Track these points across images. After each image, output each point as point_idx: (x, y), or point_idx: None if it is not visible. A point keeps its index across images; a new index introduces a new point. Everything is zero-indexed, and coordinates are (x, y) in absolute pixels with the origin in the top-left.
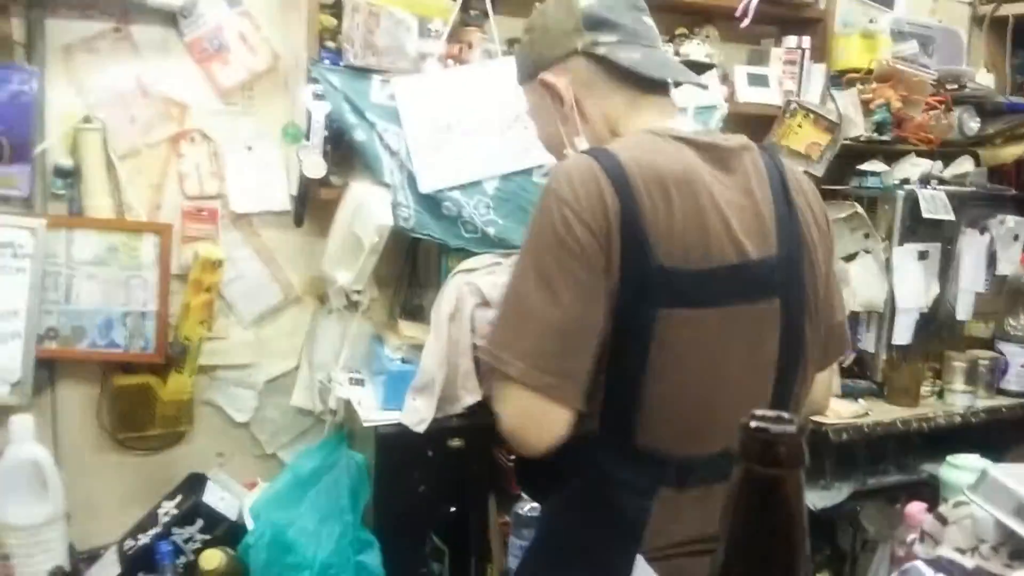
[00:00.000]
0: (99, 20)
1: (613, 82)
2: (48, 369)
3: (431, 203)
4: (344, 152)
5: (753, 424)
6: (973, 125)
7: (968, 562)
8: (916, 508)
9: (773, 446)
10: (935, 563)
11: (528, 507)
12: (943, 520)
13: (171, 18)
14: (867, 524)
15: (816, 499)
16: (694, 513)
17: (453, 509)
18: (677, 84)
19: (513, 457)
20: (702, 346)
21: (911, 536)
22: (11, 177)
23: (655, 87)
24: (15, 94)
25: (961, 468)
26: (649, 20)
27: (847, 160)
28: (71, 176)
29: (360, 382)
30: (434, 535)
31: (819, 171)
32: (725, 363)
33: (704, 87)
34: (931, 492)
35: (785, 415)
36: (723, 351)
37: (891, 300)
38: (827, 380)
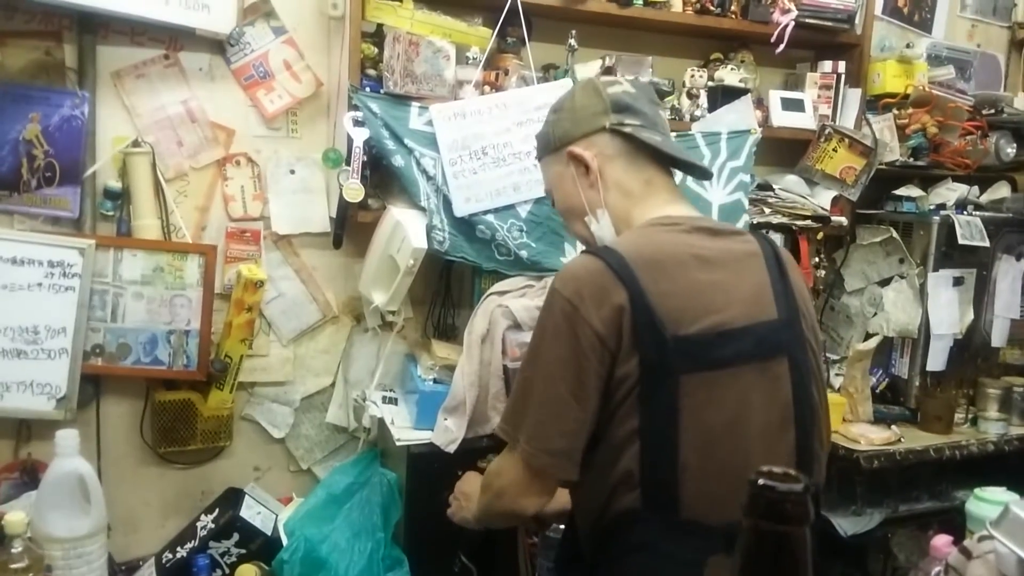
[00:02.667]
0: (149, 47)
1: (635, 157)
2: (93, 384)
3: (465, 226)
4: (382, 176)
5: (760, 482)
6: (1010, 151)
7: None
8: (942, 541)
9: (780, 503)
10: None
11: (556, 530)
12: (967, 554)
13: (218, 46)
14: (897, 551)
15: (847, 525)
16: None
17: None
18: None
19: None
20: (727, 405)
21: (936, 569)
22: (62, 199)
23: (667, 169)
24: (67, 118)
25: (987, 501)
26: (663, 113)
27: (882, 184)
28: (120, 198)
29: (393, 400)
30: (463, 555)
31: (854, 195)
32: (750, 420)
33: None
34: (963, 520)
35: (792, 472)
36: (746, 408)
37: (925, 326)
38: None
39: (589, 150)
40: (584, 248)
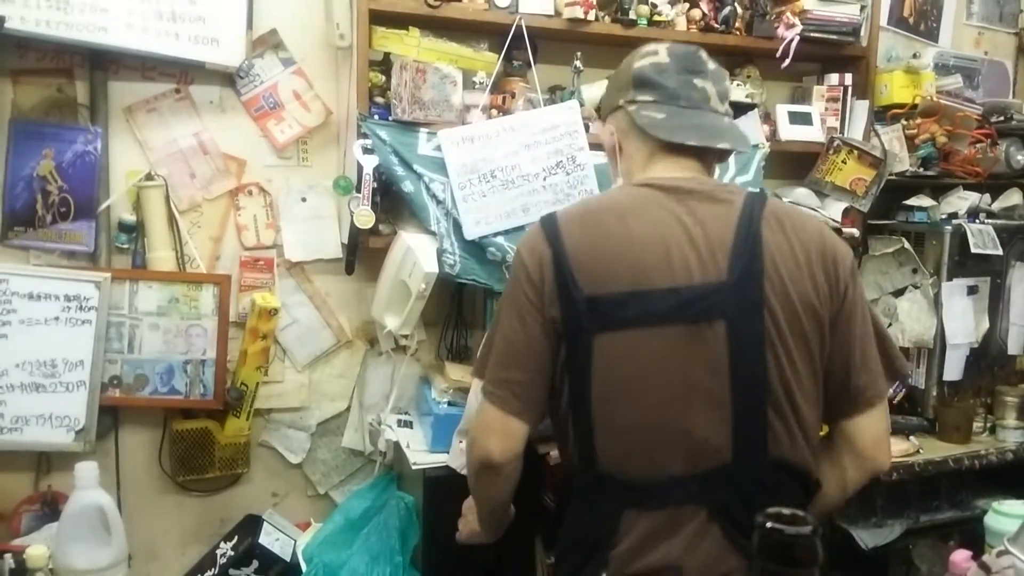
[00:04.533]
0: (160, 82)
1: (638, 135)
2: (112, 415)
3: (476, 249)
4: (392, 201)
5: (768, 524)
6: (1020, 158)
7: None
8: (961, 556)
9: (788, 547)
10: None
11: None
12: (987, 570)
13: (228, 78)
14: (919, 562)
15: (868, 537)
16: (663, 536)
17: (491, 553)
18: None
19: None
20: (633, 363)
21: None
22: (77, 233)
23: (677, 148)
24: (80, 154)
25: (1006, 515)
26: (700, 82)
27: (893, 195)
28: (134, 231)
29: (409, 424)
30: None
31: (865, 206)
32: (660, 379)
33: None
34: (984, 530)
35: (800, 514)
36: (660, 368)
37: (941, 336)
38: (871, 433)
39: (610, 124)
40: None
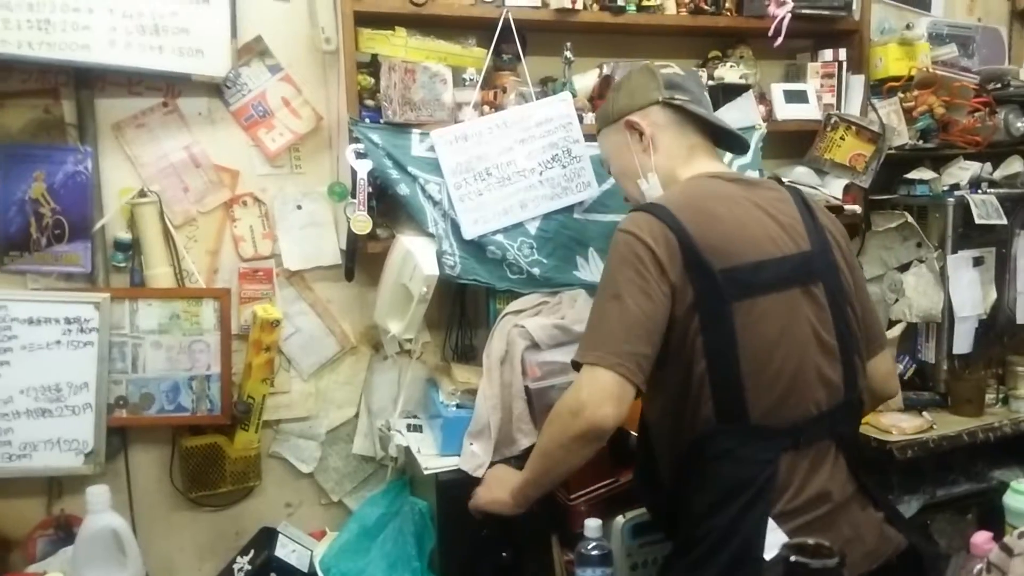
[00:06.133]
0: (147, 96)
1: (683, 127)
2: (120, 436)
3: (476, 248)
4: (389, 205)
5: (792, 558)
6: (1020, 125)
7: None
8: (982, 538)
9: None
10: None
11: (592, 545)
12: (1009, 551)
13: (216, 89)
14: (938, 537)
15: None
16: (812, 472)
17: (505, 554)
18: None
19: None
20: (775, 323)
21: (978, 566)
22: (73, 254)
23: (709, 138)
24: (71, 174)
25: None
26: (707, 96)
27: (894, 169)
28: (130, 248)
29: (418, 428)
30: None
31: (865, 182)
32: (797, 336)
33: (746, 149)
34: (1002, 502)
35: (824, 544)
36: (793, 325)
37: (948, 309)
38: (885, 368)
39: (644, 119)
40: (632, 207)
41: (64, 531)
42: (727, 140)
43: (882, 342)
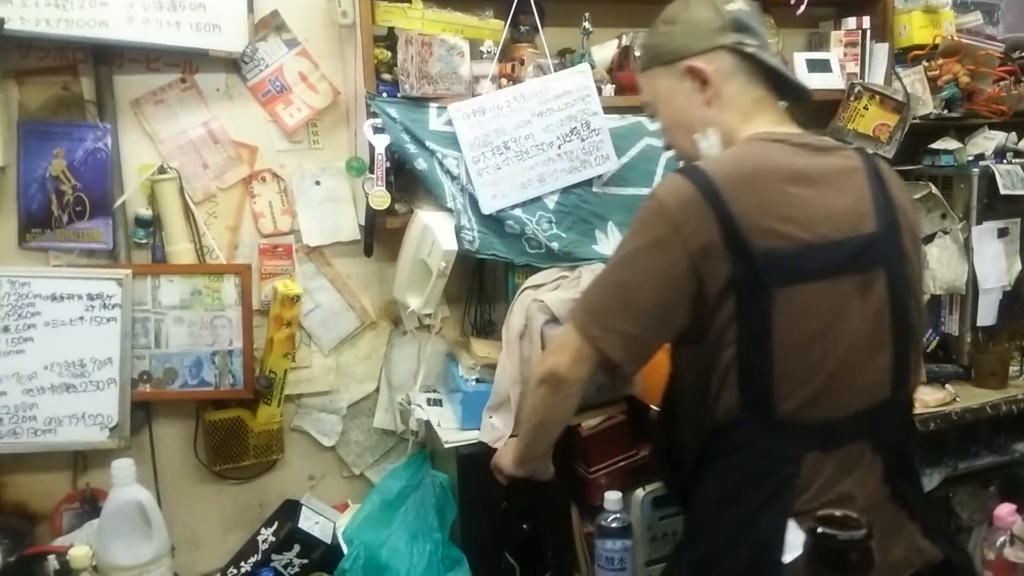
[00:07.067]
0: (164, 73)
1: (752, 78)
2: (144, 410)
3: (494, 223)
4: (406, 180)
5: (820, 529)
6: None
7: None
8: (1006, 510)
9: (843, 552)
10: None
11: (611, 517)
12: None
13: (233, 64)
14: (960, 510)
15: None
16: (839, 474)
17: (525, 526)
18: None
19: (656, 449)
20: (819, 315)
21: (1001, 538)
22: (95, 231)
23: (776, 91)
24: (91, 151)
25: None
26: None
27: (918, 139)
28: (151, 225)
29: (438, 402)
30: (507, 553)
31: (889, 152)
32: (844, 329)
33: (809, 99)
34: None
35: (852, 516)
36: (840, 318)
37: (973, 280)
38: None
39: (709, 65)
40: (676, 168)
41: (90, 505)
42: (792, 91)
43: (926, 329)
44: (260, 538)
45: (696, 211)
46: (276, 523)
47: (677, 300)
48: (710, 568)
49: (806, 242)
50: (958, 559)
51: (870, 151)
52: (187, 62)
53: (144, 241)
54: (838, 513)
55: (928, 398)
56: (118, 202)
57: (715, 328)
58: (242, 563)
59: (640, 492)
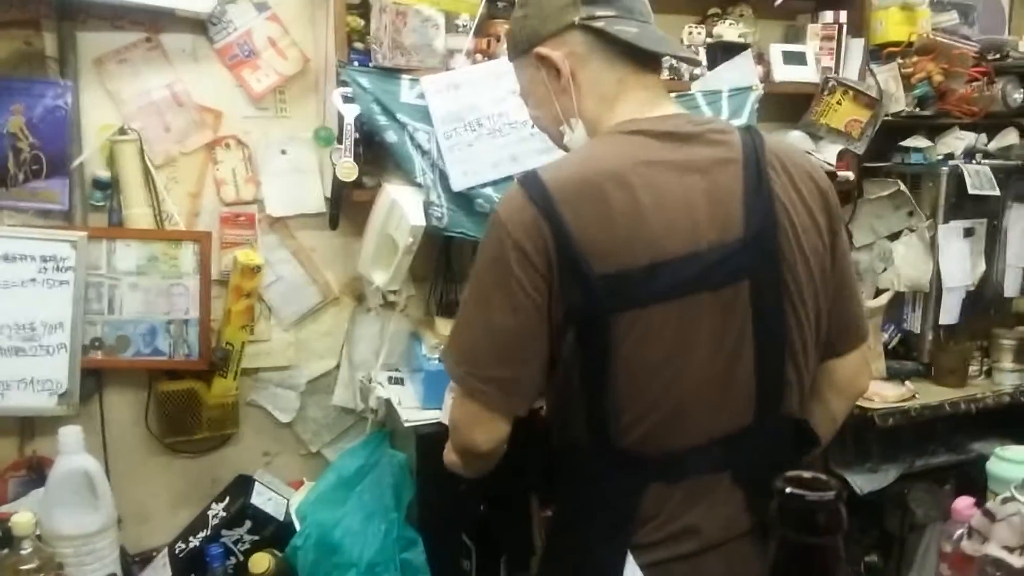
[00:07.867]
0: (129, 31)
1: (608, 57)
2: (95, 378)
3: (464, 201)
4: (376, 153)
5: (788, 490)
6: (1017, 96)
7: (1016, 561)
8: (964, 503)
9: (811, 514)
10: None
11: None
12: (991, 517)
13: (200, 26)
14: (915, 507)
15: (863, 483)
16: (683, 506)
17: (482, 507)
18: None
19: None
20: (665, 341)
21: (958, 532)
22: (50, 191)
23: (645, 65)
24: (50, 109)
25: (1010, 461)
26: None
27: (889, 136)
28: (109, 187)
29: (400, 381)
30: (464, 534)
31: (860, 148)
32: (691, 354)
33: (697, 63)
34: (980, 473)
35: (822, 478)
36: (690, 342)
37: (937, 279)
38: (855, 365)
39: (559, 50)
40: (519, 178)
41: (36, 472)
42: (653, 59)
43: (859, 336)
44: (211, 513)
45: (533, 229)
46: (228, 498)
47: (537, 328)
48: None
49: (653, 259)
50: None
51: (757, 135)
52: (153, 21)
53: (101, 204)
54: (807, 474)
55: (888, 393)
56: (76, 162)
57: (563, 355)
58: (191, 538)
59: None
